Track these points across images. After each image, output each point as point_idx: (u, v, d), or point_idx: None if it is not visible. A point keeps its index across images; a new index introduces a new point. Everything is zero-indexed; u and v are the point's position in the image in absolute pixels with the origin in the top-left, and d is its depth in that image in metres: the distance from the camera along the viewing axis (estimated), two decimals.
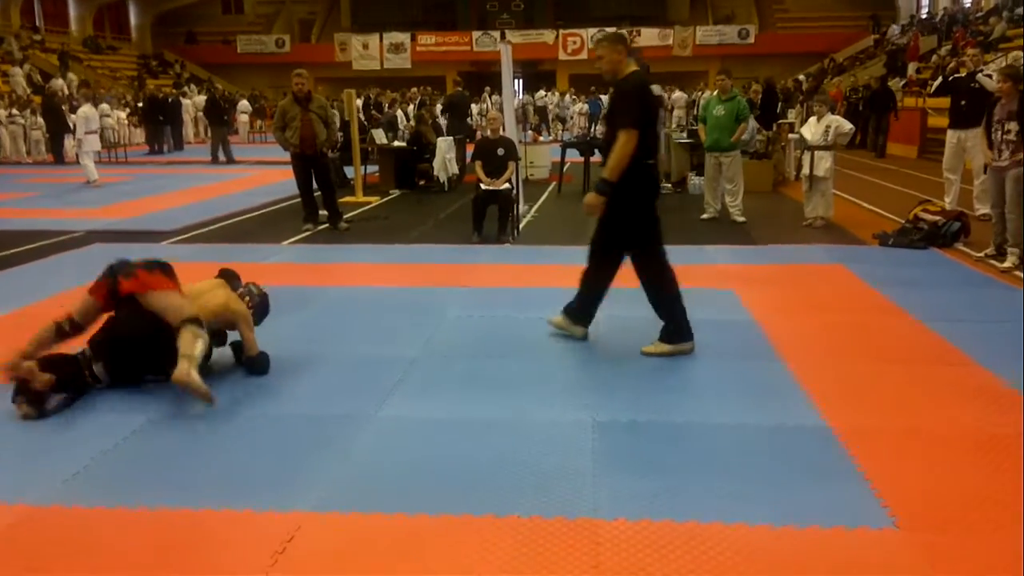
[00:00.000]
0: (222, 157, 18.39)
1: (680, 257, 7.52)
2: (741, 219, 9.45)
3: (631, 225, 5.05)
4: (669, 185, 12.63)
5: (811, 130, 8.95)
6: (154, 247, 8.52)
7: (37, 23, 32.18)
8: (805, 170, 9.04)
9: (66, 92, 23.87)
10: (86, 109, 14.64)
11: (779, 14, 36.52)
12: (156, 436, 3.78)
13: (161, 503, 3.11)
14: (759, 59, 31.61)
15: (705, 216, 9.73)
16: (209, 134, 27.08)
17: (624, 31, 5.50)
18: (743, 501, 3.07)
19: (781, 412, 3.94)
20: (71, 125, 15.52)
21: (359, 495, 3.17)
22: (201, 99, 27.69)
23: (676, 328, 4.93)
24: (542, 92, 28.45)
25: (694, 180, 11.96)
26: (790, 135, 13.28)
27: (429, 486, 3.24)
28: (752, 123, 11.34)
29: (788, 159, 13.23)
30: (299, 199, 9.66)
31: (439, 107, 17.88)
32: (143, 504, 3.10)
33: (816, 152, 8.85)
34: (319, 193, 9.47)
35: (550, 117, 27.24)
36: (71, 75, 25.60)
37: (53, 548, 2.84)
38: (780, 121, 14.39)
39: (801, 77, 28.11)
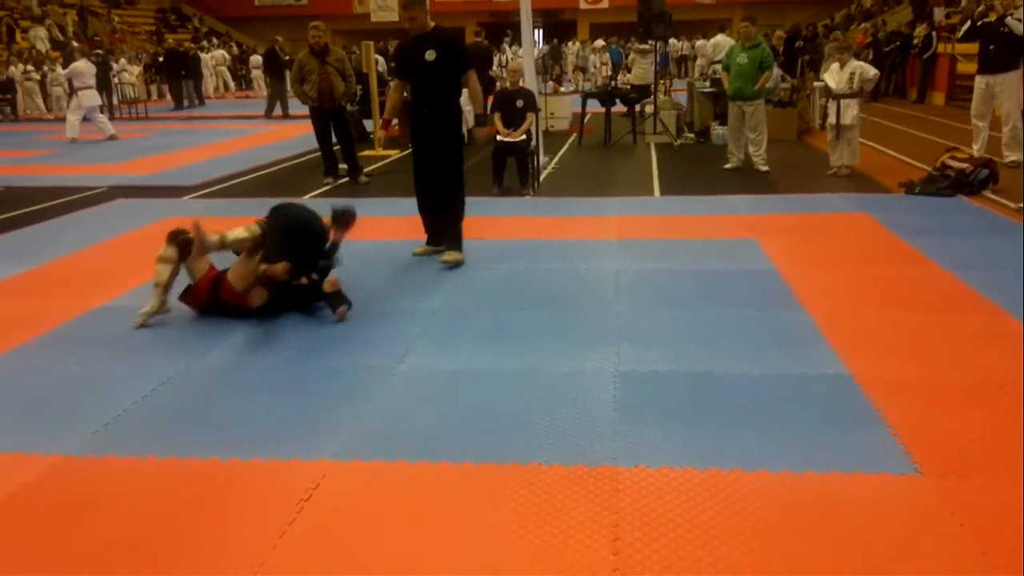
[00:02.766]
0: (278, 111, 17.99)
1: (702, 207, 7.53)
2: (765, 168, 9.34)
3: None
4: (692, 135, 12.50)
5: (835, 77, 8.78)
6: (176, 202, 8.58)
7: None
8: (831, 119, 8.90)
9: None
10: (80, 64, 14.51)
11: None
12: (184, 387, 3.85)
13: (190, 453, 3.17)
14: (785, 5, 30.94)
15: (728, 166, 9.62)
16: (230, 88, 27.10)
17: None
18: (764, 448, 3.08)
19: (803, 361, 3.93)
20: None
21: (383, 444, 3.22)
22: (219, 53, 27.58)
23: (461, 236, 5.90)
24: (572, 44, 27.91)
25: (717, 130, 11.82)
26: (815, 83, 13.05)
27: (451, 435, 3.28)
28: (776, 71, 11.17)
29: (813, 107, 13.01)
30: (319, 153, 9.65)
31: None
32: (172, 454, 3.16)
33: (841, 100, 8.70)
34: (339, 147, 9.45)
35: (570, 67, 26.89)
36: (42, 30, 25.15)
37: (84, 497, 2.90)
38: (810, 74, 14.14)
39: (827, 22, 27.51)
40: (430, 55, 5.66)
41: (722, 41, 16.62)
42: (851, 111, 8.68)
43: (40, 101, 19.98)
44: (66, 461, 3.14)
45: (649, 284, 5.29)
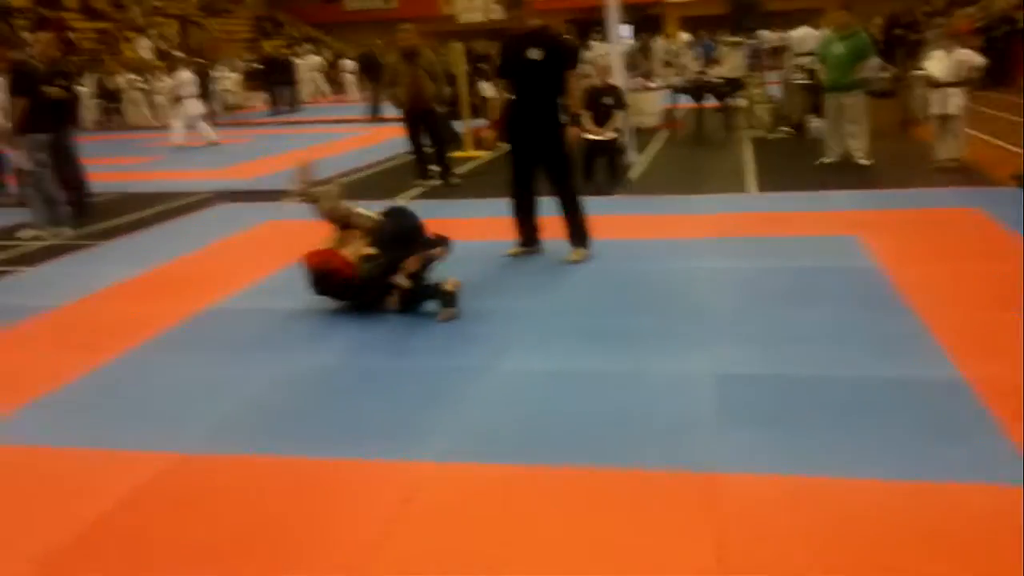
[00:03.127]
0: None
1: (801, 203, 7.35)
2: (865, 162, 9.04)
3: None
4: (787, 128, 12.20)
5: (939, 65, 8.44)
6: (275, 205, 8.81)
7: None
8: (935, 109, 8.55)
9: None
10: (183, 74, 15.06)
11: None
12: (291, 387, 3.96)
13: (298, 451, 3.26)
14: None
15: (826, 160, 9.34)
16: (324, 92, 27.76)
17: None
18: (875, 456, 2.99)
19: (912, 364, 3.79)
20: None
21: (482, 445, 3.25)
22: (315, 59, 28.27)
23: (586, 233, 5.94)
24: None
25: (814, 122, 11.49)
26: (917, 71, 12.57)
27: (550, 437, 3.28)
28: (875, 60, 10.79)
29: (916, 97, 12.53)
30: (412, 155, 9.79)
31: None
32: (281, 452, 3.27)
33: (946, 89, 8.35)
34: (430, 148, 9.57)
35: (657, 63, 26.53)
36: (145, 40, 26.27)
37: (199, 495, 3.02)
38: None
39: (927, 9, 26.45)
40: (535, 54, 5.62)
41: (806, 34, 16.16)
42: (956, 100, 8.33)
43: (145, 109, 20.83)
44: (182, 459, 3.27)
45: (746, 283, 5.19)
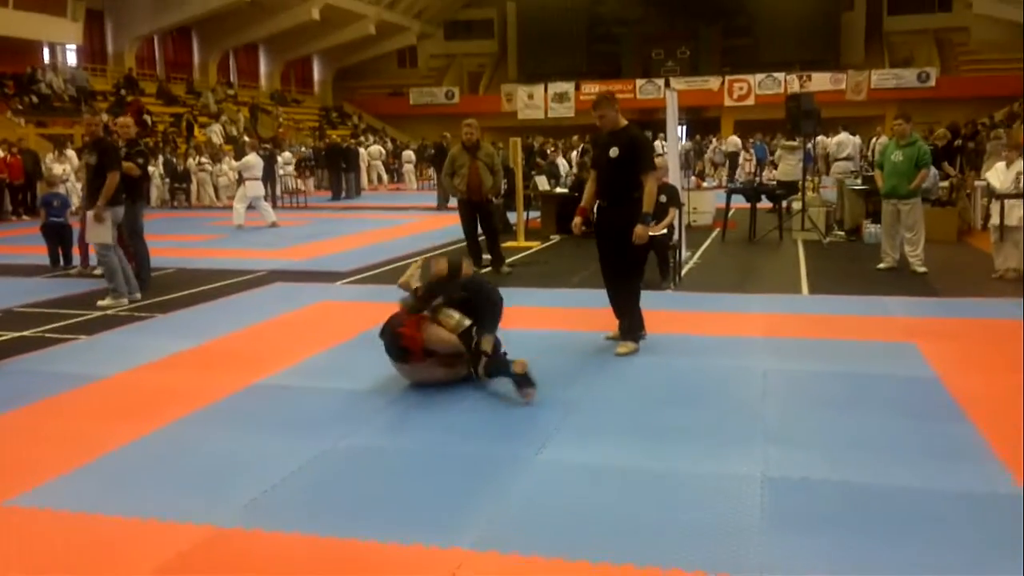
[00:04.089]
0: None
1: (856, 307, 7.24)
2: (922, 269, 8.92)
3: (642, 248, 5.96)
4: (842, 232, 12.13)
5: (1000, 176, 8.37)
6: (329, 287, 8.98)
7: (231, 79, 35.02)
8: (994, 219, 8.44)
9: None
10: (251, 158, 15.65)
11: (963, 56, 34.62)
12: (329, 466, 3.95)
13: (331, 532, 3.22)
14: (939, 103, 30.01)
15: (882, 266, 9.24)
16: (383, 181, 28.47)
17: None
18: (926, 570, 2.85)
19: (970, 476, 3.64)
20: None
21: (519, 536, 3.17)
22: (375, 148, 29.13)
23: (640, 326, 6.03)
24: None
25: (870, 228, 11.43)
26: (976, 182, 12.49)
27: (589, 532, 3.20)
28: (933, 170, 10.76)
29: (975, 207, 12.42)
30: (464, 243, 9.94)
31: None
32: (315, 531, 3.23)
33: (1006, 200, 8.26)
34: (483, 237, 9.71)
35: (711, 163, 26.79)
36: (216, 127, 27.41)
37: (232, 567, 3.00)
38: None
39: (986, 120, 26.45)
40: (614, 152, 5.80)
41: (845, 139, 16.22)
42: (1017, 212, 8.22)
43: (211, 190, 21.59)
44: (217, 532, 3.26)
45: (798, 385, 5.08)
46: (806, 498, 3.47)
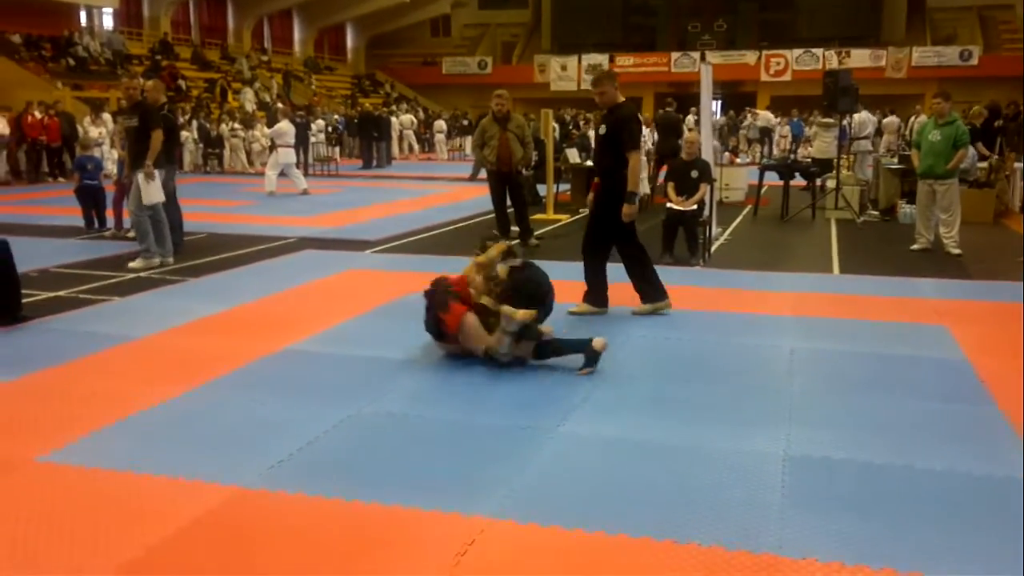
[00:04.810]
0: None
1: (887, 288, 7.16)
2: (956, 251, 8.78)
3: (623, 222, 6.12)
4: (876, 212, 11.97)
5: None
6: (358, 255, 9.03)
7: (265, 45, 35.07)
8: None
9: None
10: (283, 124, 15.71)
11: (1007, 34, 33.76)
12: (354, 431, 4.00)
13: (355, 496, 3.27)
14: (981, 82, 29.34)
15: (916, 247, 9.12)
16: (414, 150, 28.45)
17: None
18: (948, 553, 2.84)
19: (994, 461, 3.61)
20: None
21: (538, 506, 3.20)
22: (407, 118, 29.10)
23: (654, 289, 6.22)
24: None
25: (904, 208, 11.26)
26: (1016, 164, 12.25)
27: (609, 504, 3.22)
28: (971, 150, 10.57)
29: (1013, 189, 12.19)
30: (493, 215, 9.93)
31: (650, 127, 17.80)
32: (339, 495, 3.28)
33: None
34: (512, 209, 9.69)
35: (745, 139, 26.44)
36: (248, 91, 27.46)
37: (256, 528, 3.06)
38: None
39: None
40: (603, 129, 6.10)
41: (865, 118, 15.94)
42: None
43: (243, 156, 21.71)
44: (242, 493, 3.32)
45: (825, 365, 5.05)
46: (827, 478, 3.46)
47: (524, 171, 10.27)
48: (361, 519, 3.11)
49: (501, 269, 5.11)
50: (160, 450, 3.75)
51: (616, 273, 7.88)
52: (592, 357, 4.86)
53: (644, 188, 13.15)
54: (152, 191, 7.91)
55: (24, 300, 6.25)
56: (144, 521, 3.09)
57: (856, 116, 14.70)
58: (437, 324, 4.99)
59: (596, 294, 6.32)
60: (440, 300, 5.01)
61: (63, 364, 5.02)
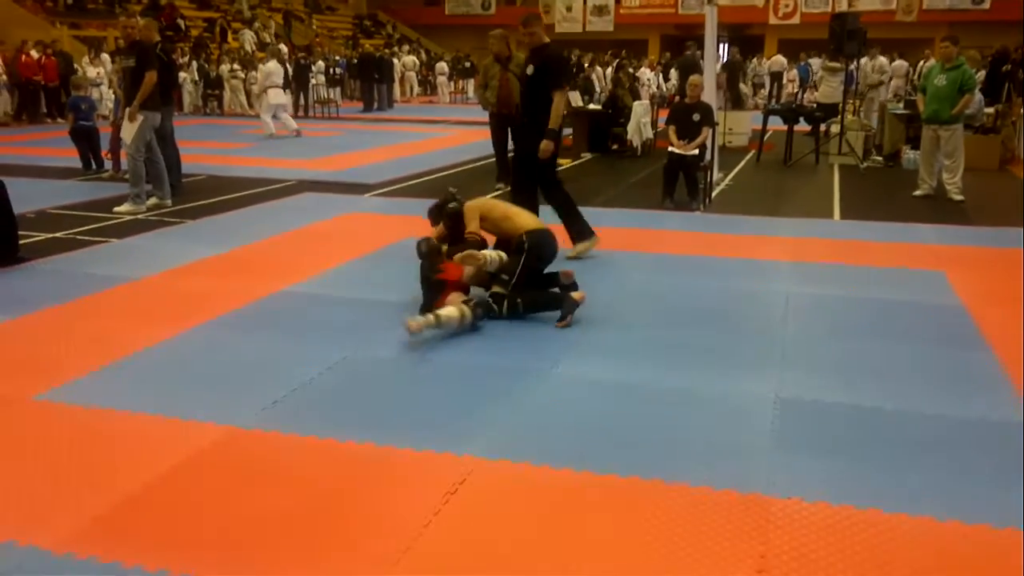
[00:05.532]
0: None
1: (887, 234, 7.14)
2: (959, 197, 8.73)
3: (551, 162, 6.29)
4: (880, 158, 11.87)
5: None
6: (358, 199, 8.99)
7: None
8: None
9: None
10: (270, 65, 15.49)
11: None
12: (349, 373, 4.02)
13: (348, 436, 3.30)
14: (993, 26, 28.80)
15: (919, 192, 9.06)
16: (415, 93, 28.15)
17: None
18: (933, 495, 2.87)
19: (984, 405, 3.63)
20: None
21: (530, 446, 3.23)
22: (410, 59, 28.72)
23: (582, 229, 6.25)
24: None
25: (908, 154, 11.16)
26: (1023, 110, 12.10)
27: (599, 445, 3.25)
28: (978, 95, 10.42)
29: (1019, 135, 12.06)
30: (494, 158, 9.86)
31: (673, 69, 17.57)
32: (332, 435, 3.31)
33: None
34: (513, 153, 9.61)
35: (752, 84, 26.07)
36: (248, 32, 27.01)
37: (250, 467, 3.09)
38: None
39: None
40: (530, 69, 6.15)
41: (884, 64, 15.73)
42: None
43: (243, 98, 21.47)
44: (237, 432, 3.35)
45: (820, 310, 5.06)
46: (817, 420, 3.49)
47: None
48: (354, 459, 3.15)
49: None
50: (156, 390, 3.78)
51: (610, 218, 7.88)
52: (569, 308, 4.76)
53: (647, 132, 13.06)
54: (130, 130, 7.81)
55: (22, 241, 6.25)
56: (140, 458, 3.13)
57: (876, 61, 14.50)
58: (439, 285, 4.81)
59: (575, 227, 6.32)
60: (431, 262, 4.88)
61: (61, 304, 5.04)
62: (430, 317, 4.42)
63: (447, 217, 5.17)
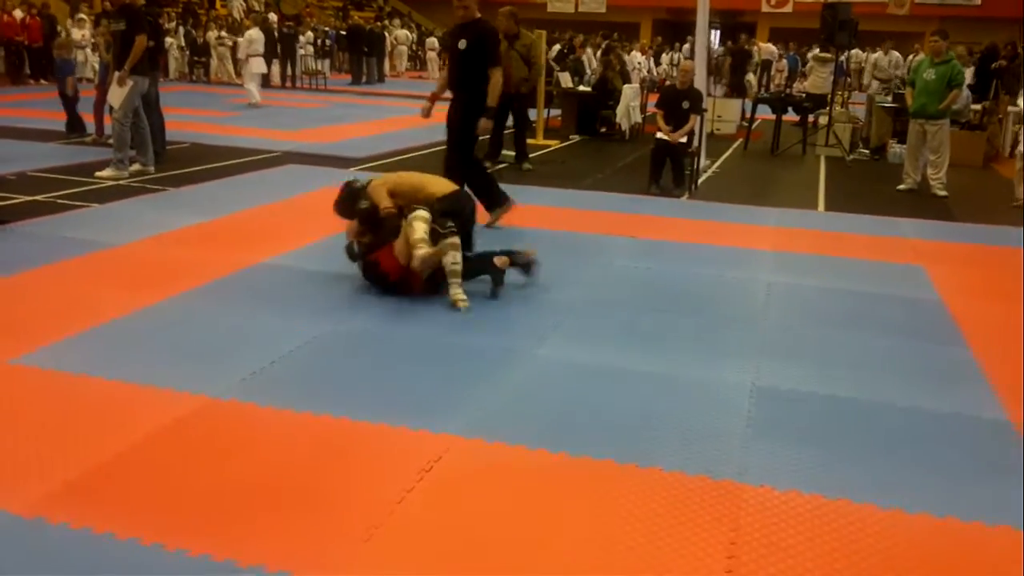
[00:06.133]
0: None
1: (869, 227, 7.18)
2: (942, 193, 8.78)
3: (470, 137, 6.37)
4: (867, 151, 11.91)
5: None
6: (343, 172, 8.92)
7: None
8: (1021, 146, 8.25)
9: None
10: (253, 32, 15.34)
11: None
12: (328, 347, 4.01)
13: (324, 410, 3.30)
14: (985, 23, 28.87)
15: (902, 187, 9.10)
16: (404, 67, 27.93)
17: None
18: (903, 486, 2.90)
19: (959, 400, 3.67)
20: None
21: (506, 426, 3.24)
22: (402, 33, 28.46)
23: (498, 195, 6.39)
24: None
25: (895, 148, 11.21)
26: (1009, 108, 12.15)
27: (575, 427, 3.26)
28: (966, 91, 10.46)
29: (1005, 133, 12.13)
30: (484, 136, 9.80)
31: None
32: (308, 409, 3.30)
33: None
34: (509, 131, 9.57)
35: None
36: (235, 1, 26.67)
37: (223, 437, 3.09)
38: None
39: None
40: (462, 44, 6.11)
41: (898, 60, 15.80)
42: None
43: (230, 66, 21.22)
44: (212, 403, 3.34)
45: (800, 300, 5.09)
46: (792, 409, 3.51)
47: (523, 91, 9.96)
48: (329, 433, 3.14)
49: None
50: (133, 358, 3.75)
51: (596, 202, 7.90)
52: (497, 276, 4.82)
53: (636, 116, 13.04)
54: (118, 95, 7.71)
55: (1, 203, 6.16)
56: (114, 426, 3.11)
57: (891, 56, 14.48)
58: (374, 269, 4.81)
59: (489, 197, 6.41)
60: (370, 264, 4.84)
61: (38, 268, 4.99)
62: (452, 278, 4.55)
63: (361, 215, 4.98)
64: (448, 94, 6.56)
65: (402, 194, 4.95)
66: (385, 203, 4.89)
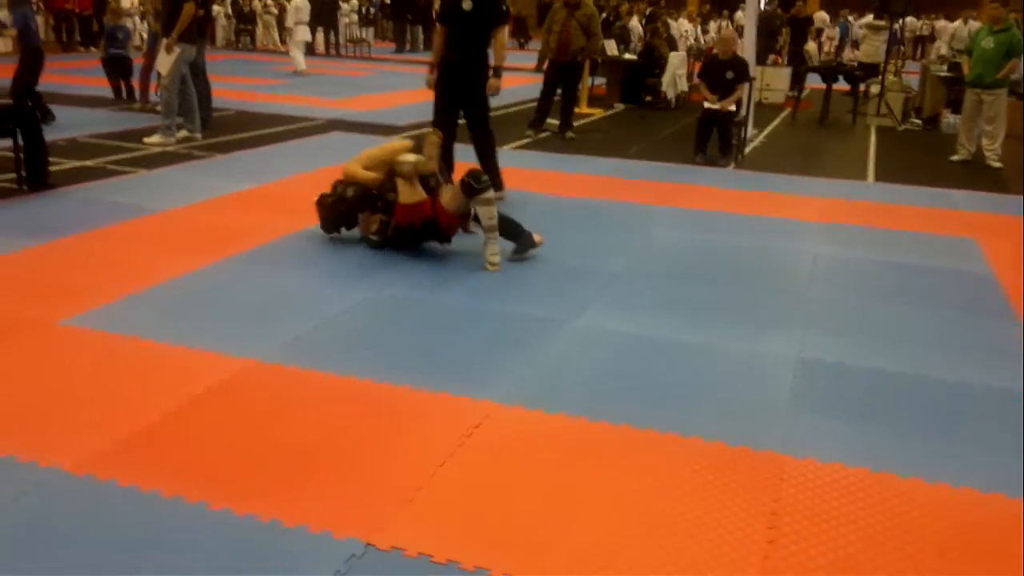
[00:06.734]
0: None
1: (920, 198, 7.02)
2: (997, 164, 8.54)
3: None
4: (919, 121, 11.61)
5: None
6: (386, 139, 8.93)
7: None
8: None
9: None
10: (298, 0, 15.41)
11: None
12: (371, 312, 4.04)
13: (367, 375, 3.32)
14: None
15: (956, 158, 8.87)
16: None
17: None
18: (949, 461, 2.85)
19: (1009, 375, 3.59)
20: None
21: (547, 394, 3.24)
22: None
23: (497, 177, 6.06)
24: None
25: (948, 118, 10.91)
26: None
27: (615, 396, 3.25)
28: None
29: None
30: (531, 105, 9.75)
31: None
32: (351, 373, 3.33)
33: None
34: (558, 99, 9.51)
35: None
36: None
37: (268, 400, 3.13)
38: None
39: None
40: (467, 5, 5.94)
41: (941, 27, 15.31)
42: None
43: (276, 34, 21.32)
44: (257, 366, 3.38)
45: (848, 272, 5.00)
46: (837, 382, 3.46)
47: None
48: (371, 397, 3.17)
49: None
50: (179, 320, 3.82)
51: (641, 171, 7.81)
52: (525, 245, 4.86)
53: (682, 85, 12.85)
54: (166, 62, 7.77)
55: (51, 168, 6.28)
56: (161, 387, 3.17)
57: (969, 25, 14.01)
58: (404, 230, 4.84)
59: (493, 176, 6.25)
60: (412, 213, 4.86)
61: (88, 232, 5.09)
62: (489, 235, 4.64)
63: (356, 198, 5.01)
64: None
65: (377, 165, 4.96)
66: (361, 175, 4.94)
